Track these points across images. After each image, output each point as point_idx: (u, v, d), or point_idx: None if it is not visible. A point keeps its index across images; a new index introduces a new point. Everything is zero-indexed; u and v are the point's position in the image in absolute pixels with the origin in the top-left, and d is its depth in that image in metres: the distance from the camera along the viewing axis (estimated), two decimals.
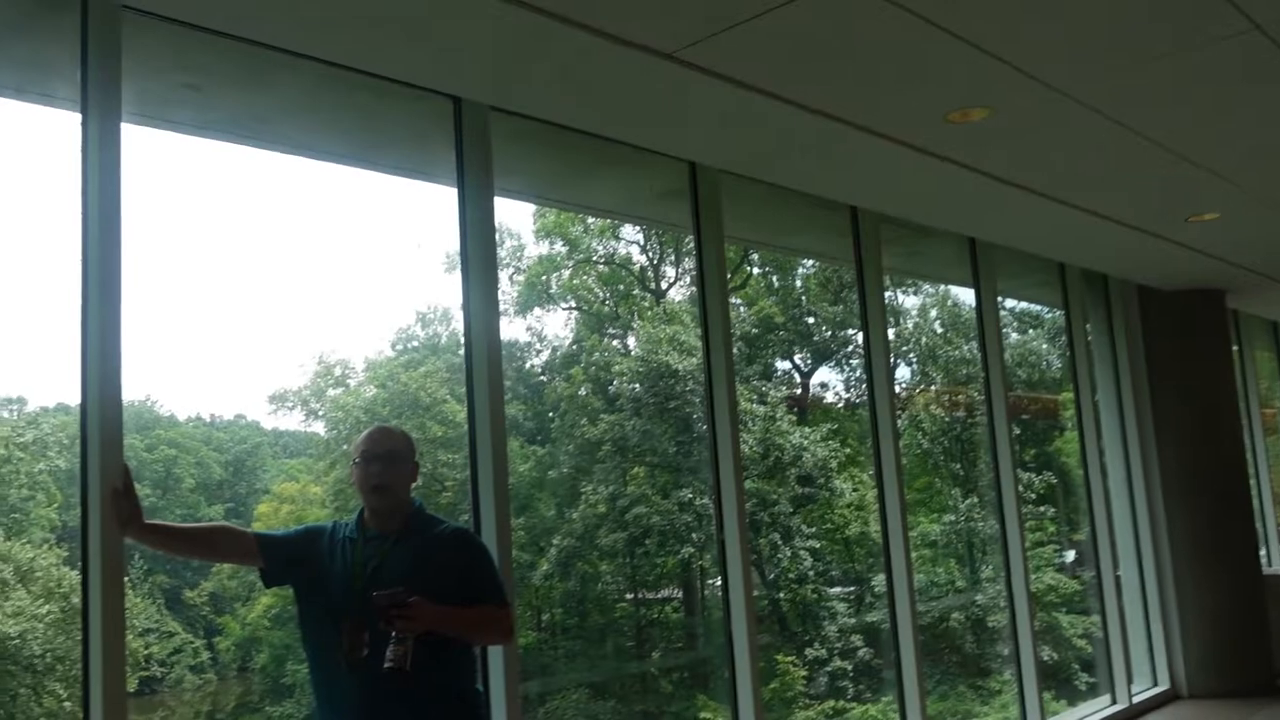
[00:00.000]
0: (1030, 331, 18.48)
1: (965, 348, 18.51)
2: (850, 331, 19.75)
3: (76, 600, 14.55)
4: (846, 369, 19.93)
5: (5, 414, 16.29)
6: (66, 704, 14.73)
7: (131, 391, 28.15)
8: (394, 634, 2.63)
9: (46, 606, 14.99)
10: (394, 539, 2.88)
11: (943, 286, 19.26)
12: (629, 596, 18.33)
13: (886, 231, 5.41)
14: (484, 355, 3.76)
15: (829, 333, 19.68)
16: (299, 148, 4.28)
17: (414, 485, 3.04)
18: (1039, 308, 17.12)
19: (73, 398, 19.18)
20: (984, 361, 6.24)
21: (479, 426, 3.73)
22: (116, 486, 2.75)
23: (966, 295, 19.19)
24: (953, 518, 17.90)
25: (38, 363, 23.72)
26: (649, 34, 3.28)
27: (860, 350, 19.42)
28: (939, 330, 19.09)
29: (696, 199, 4.56)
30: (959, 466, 19.00)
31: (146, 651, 19.67)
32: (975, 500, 18.05)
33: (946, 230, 5.97)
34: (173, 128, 3.75)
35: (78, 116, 2.90)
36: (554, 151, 4.41)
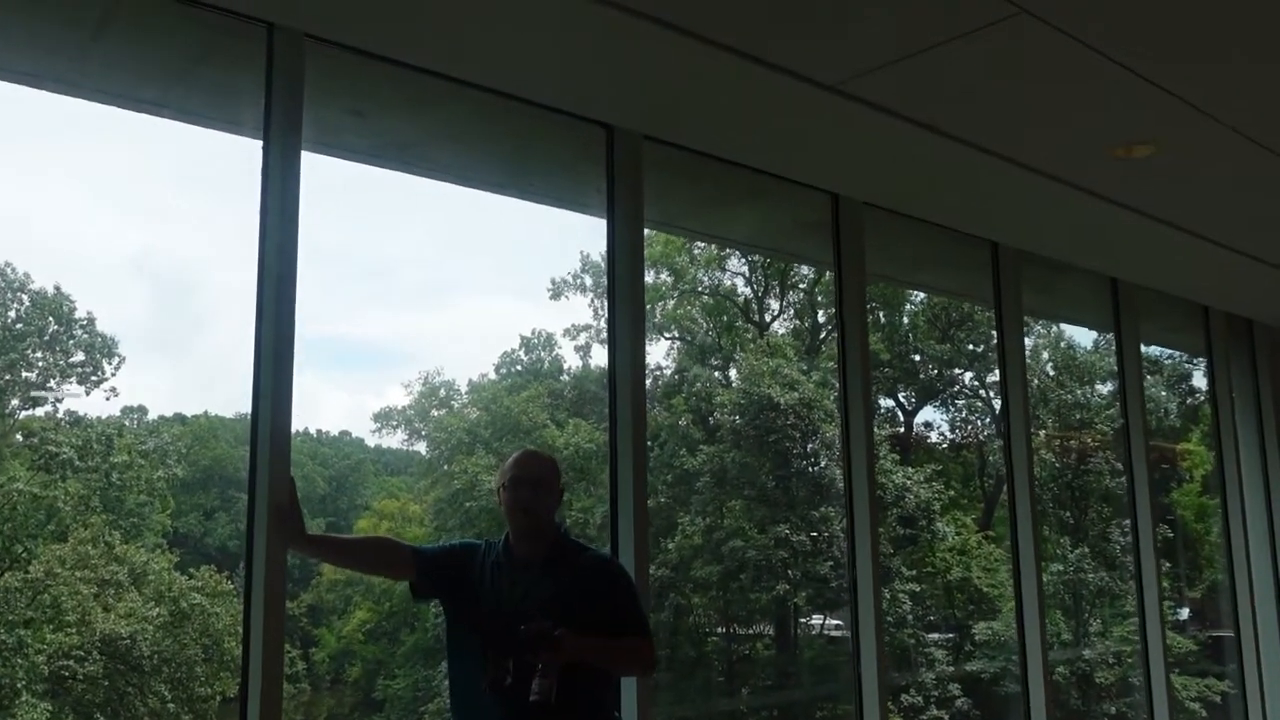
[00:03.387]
0: (1149, 378, 17.88)
1: (1079, 391, 18.00)
2: (957, 371, 19.39)
3: (185, 604, 15.01)
4: (952, 409, 19.58)
5: (127, 422, 16.91)
6: (170, 705, 15.13)
7: (241, 403, 29.11)
8: (540, 666, 2.62)
9: (156, 610, 15.44)
10: (540, 566, 2.87)
11: (1055, 328, 18.81)
12: (720, 630, 18.16)
13: (1026, 271, 5.27)
14: (629, 381, 3.76)
15: (935, 371, 19.34)
16: (449, 173, 4.34)
17: (558, 508, 3.02)
18: (1158, 352, 16.58)
19: (191, 408, 19.86)
20: (1123, 407, 6.00)
21: (621, 453, 3.73)
22: (282, 501, 2.82)
23: (1081, 337, 18.70)
24: (1060, 567, 17.34)
25: (162, 374, 24.69)
26: (815, 66, 3.26)
27: (966, 391, 18.99)
28: (1050, 373, 18.60)
29: (838, 231, 4.50)
30: (1068, 515, 18.43)
31: None
32: (1085, 550, 17.48)
33: (1087, 268, 5.79)
34: (333, 152, 3.83)
35: (259, 143, 2.99)
36: (695, 181, 4.40)
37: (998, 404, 18.63)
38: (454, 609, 2.97)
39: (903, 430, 19.25)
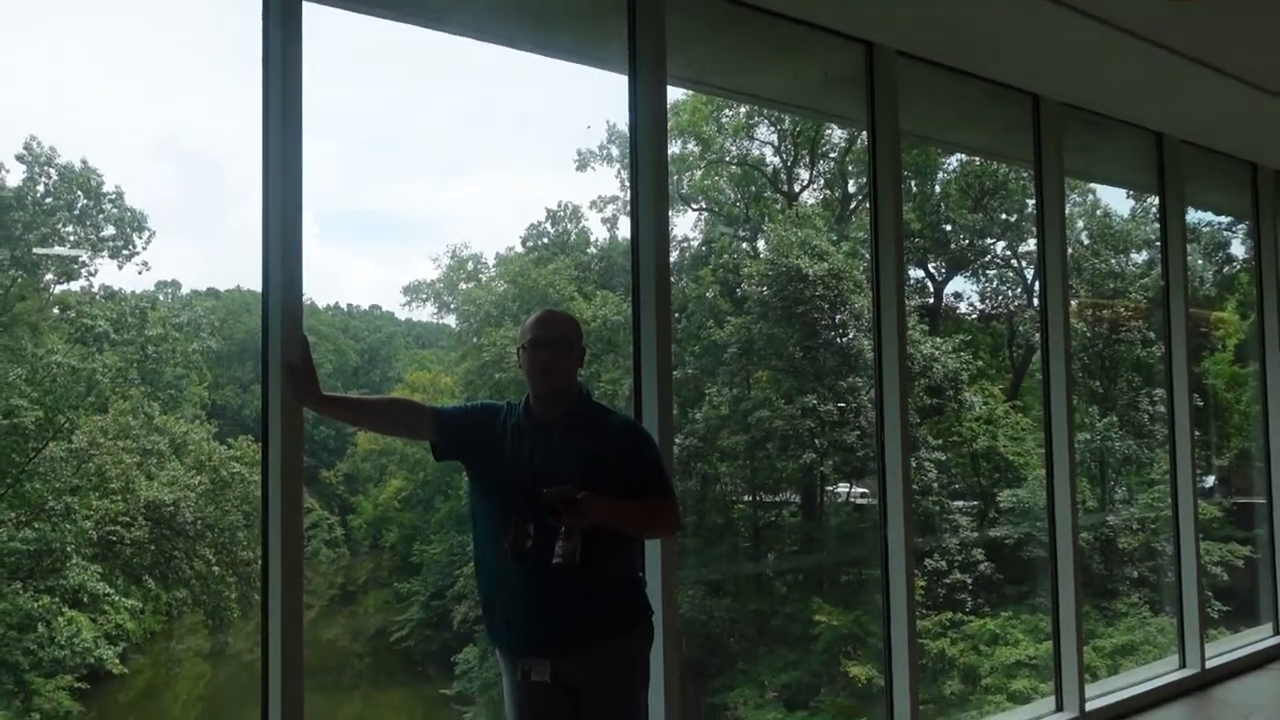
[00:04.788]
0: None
1: (1113, 260, 17.70)
2: (989, 241, 19.09)
3: (225, 473, 15.40)
4: (983, 279, 19.35)
5: (161, 296, 17.05)
6: (215, 568, 15.66)
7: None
8: (563, 529, 2.62)
9: (198, 478, 15.84)
10: (562, 429, 2.83)
11: (1090, 196, 18.40)
12: (747, 499, 18.42)
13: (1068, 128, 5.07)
14: (651, 242, 3.69)
15: (966, 241, 19.05)
16: (468, 28, 4.17)
17: (580, 369, 2.97)
18: (1195, 219, 16.20)
19: (224, 283, 20.00)
20: (1164, 268, 5.84)
21: (644, 317, 3.67)
22: (294, 360, 2.79)
23: (1117, 204, 18.29)
24: (1088, 436, 17.36)
25: (193, 250, 24.78)
26: None
27: (998, 261, 18.72)
28: (1085, 241, 18.28)
29: (872, 84, 4.33)
30: (1098, 384, 18.36)
31: None
32: (1113, 419, 17.46)
33: (1132, 123, 5.56)
34: (349, 5, 3.67)
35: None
36: (721, 31, 4.22)
37: (1029, 274, 18.41)
38: (475, 471, 2.93)
39: (932, 301, 19.09)
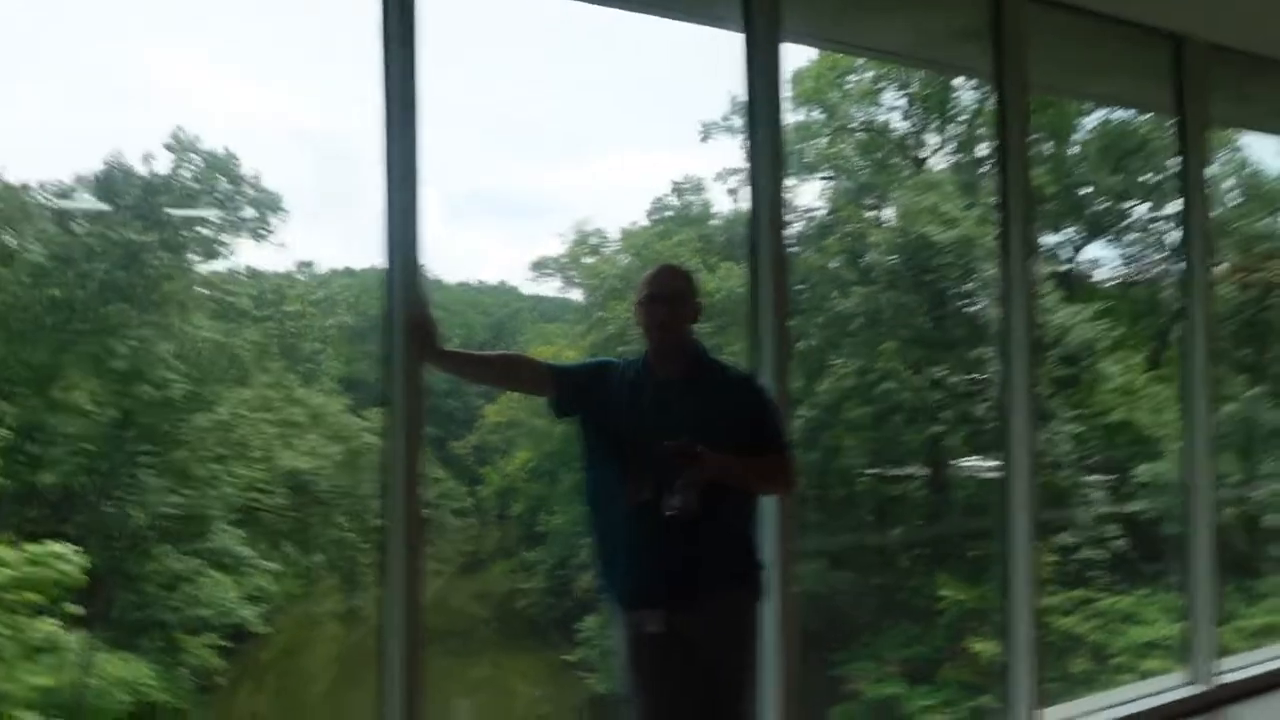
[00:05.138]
0: None
1: (1264, 221, 16.73)
2: (1129, 204, 18.27)
3: (358, 443, 15.97)
4: (1123, 244, 18.54)
5: (299, 276, 17.71)
6: (350, 535, 16.28)
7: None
8: (679, 482, 2.60)
9: (334, 448, 16.47)
10: (680, 383, 2.82)
11: (1240, 152, 17.41)
12: (872, 471, 18.16)
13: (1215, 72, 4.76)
14: (767, 204, 3.63)
15: (1105, 205, 18.26)
16: None
17: (696, 323, 2.94)
18: None
19: (358, 261, 20.64)
20: None
21: (762, 279, 3.63)
22: (416, 317, 2.84)
23: (1269, 159, 17.26)
24: (1235, 407, 16.52)
25: (328, 231, 25.60)
26: None
27: (1140, 225, 17.95)
28: (1233, 201, 17.31)
29: (999, 33, 4.16)
30: (1247, 353, 17.41)
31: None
32: (1263, 389, 16.56)
33: None
34: None
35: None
36: None
37: (1173, 238, 17.52)
38: (593, 427, 2.94)
39: (1068, 268, 18.41)
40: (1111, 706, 4.52)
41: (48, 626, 10.00)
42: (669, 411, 2.77)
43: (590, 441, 2.95)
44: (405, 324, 2.85)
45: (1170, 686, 4.82)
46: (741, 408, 2.83)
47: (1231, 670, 5.02)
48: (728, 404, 2.82)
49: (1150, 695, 4.69)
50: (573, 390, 2.96)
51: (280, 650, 18.67)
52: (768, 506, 3.49)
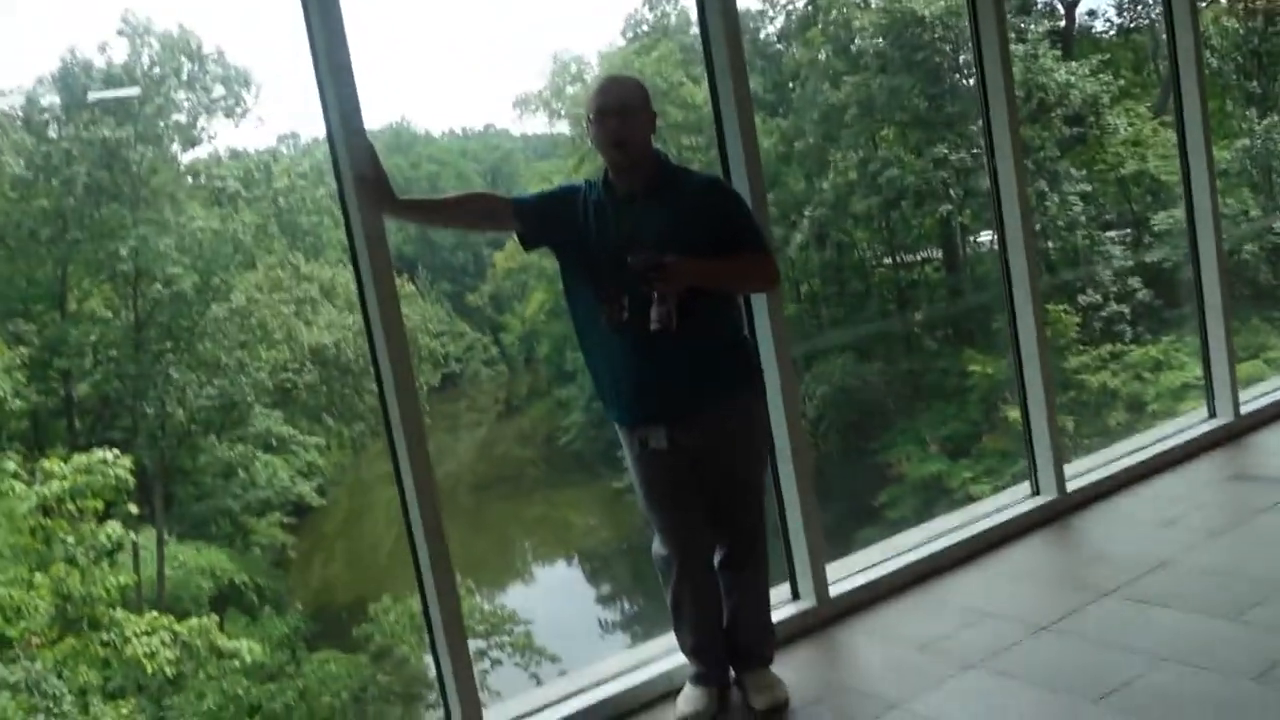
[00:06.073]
0: None
1: None
2: None
3: None
4: None
5: (283, 149, 17.47)
6: None
7: (387, 114, 29.31)
8: (655, 296, 2.59)
9: (351, 317, 16.59)
10: (643, 197, 2.75)
11: None
12: (887, 261, 18.13)
13: None
14: (719, 13, 3.44)
15: None
16: None
17: (653, 134, 2.83)
18: None
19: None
20: None
21: (720, 76, 3.48)
22: (362, 170, 2.78)
23: None
24: (1247, 142, 16.18)
25: (304, 98, 25.03)
26: None
27: None
28: None
29: None
30: (1255, 85, 16.92)
31: (444, 351, 21.69)
32: (1275, 119, 16.17)
33: None
34: None
35: None
36: None
37: None
38: (564, 254, 2.89)
39: (1063, 24, 17.74)
40: (1138, 450, 4.58)
41: (114, 529, 10.38)
42: (637, 226, 2.70)
43: (566, 270, 2.89)
44: (354, 180, 2.78)
45: (1194, 423, 4.88)
46: (708, 212, 2.75)
47: (1256, 398, 5.07)
48: (695, 210, 2.74)
49: (1176, 434, 4.75)
50: (536, 220, 2.88)
51: (342, 519, 19.40)
52: (758, 305, 3.45)
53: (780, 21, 18.19)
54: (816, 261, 17.41)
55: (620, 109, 2.74)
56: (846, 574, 3.63)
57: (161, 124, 14.81)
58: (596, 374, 2.90)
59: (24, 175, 13.99)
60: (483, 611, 14.76)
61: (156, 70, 14.47)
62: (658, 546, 2.93)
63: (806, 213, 16.47)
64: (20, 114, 14.11)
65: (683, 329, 2.62)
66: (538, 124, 21.88)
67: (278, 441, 16.16)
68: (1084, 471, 4.37)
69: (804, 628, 3.38)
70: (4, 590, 10.00)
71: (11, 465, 10.36)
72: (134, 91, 14.09)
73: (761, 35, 18.20)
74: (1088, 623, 3.18)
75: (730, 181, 3.38)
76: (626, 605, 18.36)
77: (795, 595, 3.49)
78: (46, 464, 10.36)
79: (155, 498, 14.23)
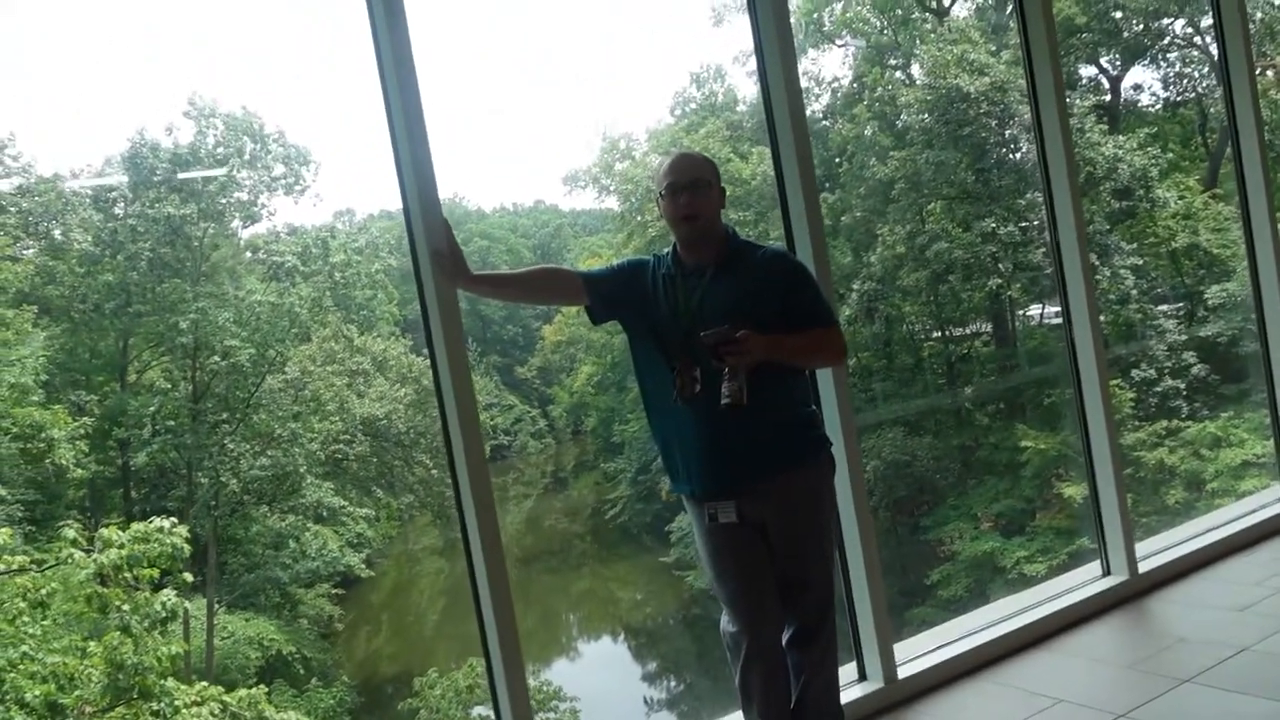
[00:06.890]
0: None
1: None
2: (1166, 21, 17.52)
3: (427, 382, 16.24)
4: (1163, 65, 17.83)
5: (338, 225, 17.83)
6: (434, 472, 16.66)
7: (441, 191, 29.90)
8: (726, 370, 2.61)
9: (403, 390, 16.80)
10: (713, 271, 2.79)
11: None
12: (935, 335, 18.04)
13: None
14: (782, 87, 3.56)
15: (1140, 26, 17.55)
16: None
17: (723, 208, 2.90)
18: None
19: (394, 203, 20.76)
20: None
21: (784, 156, 3.58)
22: (438, 245, 2.86)
23: None
24: None
25: (360, 176, 25.72)
26: None
27: (1179, 41, 17.20)
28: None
29: None
30: None
31: (493, 423, 21.82)
32: None
33: None
34: None
35: None
36: None
37: (1215, 50, 16.80)
38: (633, 328, 2.94)
39: (1109, 98, 17.79)
40: (1208, 531, 4.48)
41: (168, 597, 10.44)
42: (706, 300, 2.75)
43: (635, 344, 2.95)
44: (430, 255, 2.87)
45: (1268, 502, 4.77)
46: (777, 285, 2.78)
47: None
48: (763, 284, 2.77)
49: (1247, 515, 4.64)
50: (606, 295, 2.94)
51: (389, 590, 19.39)
52: (824, 380, 3.49)
53: (826, 98, 18.43)
54: (865, 335, 17.39)
55: (691, 184, 2.81)
56: (913, 655, 3.58)
57: (224, 201, 15.24)
58: (665, 446, 2.92)
59: (91, 251, 14.44)
60: (529, 688, 14.60)
61: (220, 150, 14.93)
62: (726, 623, 2.91)
63: (855, 286, 16.49)
64: (89, 192, 14.62)
65: (753, 403, 2.64)
66: (586, 199, 22.22)
67: (328, 512, 16.26)
68: (1155, 551, 4.29)
69: (872, 709, 3.34)
70: (59, 658, 10.06)
71: (71, 533, 10.48)
72: (219, 172, 14.59)
73: (808, 112, 18.44)
74: (1166, 710, 3.11)
75: (796, 252, 3.43)
76: (673, 682, 18.09)
77: (862, 675, 3.45)
78: (105, 532, 10.47)
79: (208, 568, 14.34)
